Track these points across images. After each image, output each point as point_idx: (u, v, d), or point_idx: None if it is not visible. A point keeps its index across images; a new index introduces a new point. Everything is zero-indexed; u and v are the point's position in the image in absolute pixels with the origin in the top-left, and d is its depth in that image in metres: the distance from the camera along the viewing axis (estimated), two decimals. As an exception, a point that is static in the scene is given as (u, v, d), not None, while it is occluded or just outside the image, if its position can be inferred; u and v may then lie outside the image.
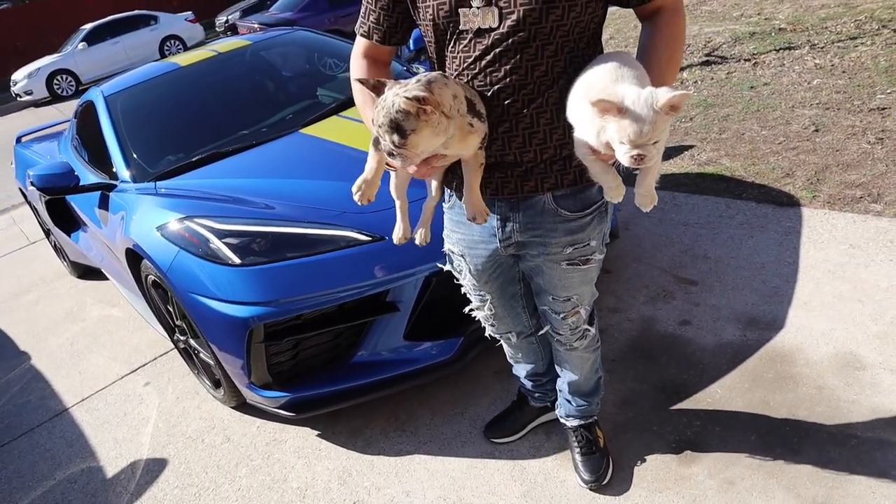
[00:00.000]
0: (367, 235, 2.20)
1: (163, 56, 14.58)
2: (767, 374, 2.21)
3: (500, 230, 1.54)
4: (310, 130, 2.92)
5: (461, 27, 1.29)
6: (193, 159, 2.86)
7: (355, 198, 1.41)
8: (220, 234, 2.24)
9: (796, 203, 3.15)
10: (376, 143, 1.36)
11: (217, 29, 15.47)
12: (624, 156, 1.15)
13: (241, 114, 3.31)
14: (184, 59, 3.62)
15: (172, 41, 15.34)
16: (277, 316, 2.10)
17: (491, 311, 1.78)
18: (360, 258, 2.17)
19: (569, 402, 1.99)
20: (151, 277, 2.57)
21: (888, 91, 4.22)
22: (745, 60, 5.50)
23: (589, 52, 1.34)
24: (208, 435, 2.60)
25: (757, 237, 2.96)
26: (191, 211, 2.37)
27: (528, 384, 2.10)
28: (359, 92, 1.50)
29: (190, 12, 16.32)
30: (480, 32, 1.28)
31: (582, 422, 2.01)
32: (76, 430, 2.86)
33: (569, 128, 1.33)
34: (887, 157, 3.36)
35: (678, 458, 1.98)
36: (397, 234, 1.60)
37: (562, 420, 2.06)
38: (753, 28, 6.40)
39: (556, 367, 1.97)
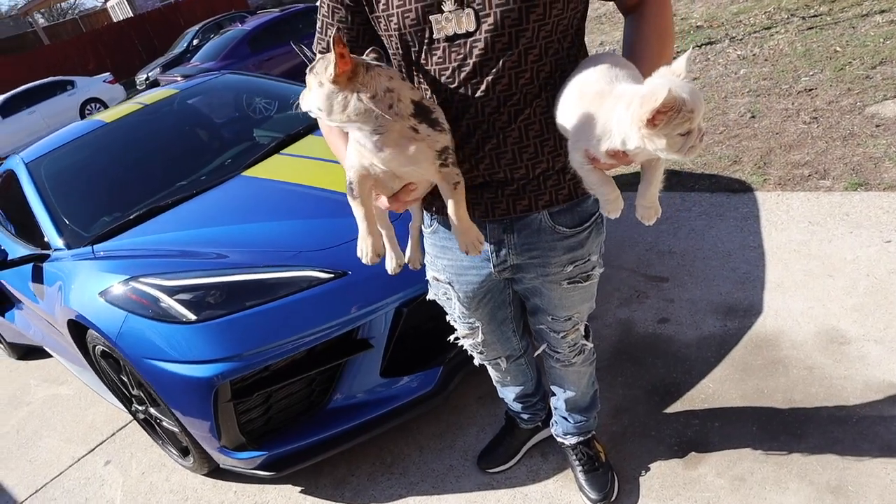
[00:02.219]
0: (328, 273, 2.08)
1: (85, 119, 14.08)
2: (756, 361, 2.17)
3: (494, 255, 1.42)
4: (252, 172, 2.79)
5: (434, 35, 1.18)
6: (131, 217, 2.68)
7: (363, 260, 1.29)
8: (171, 291, 2.07)
9: (749, 188, 3.18)
10: (351, 191, 1.25)
11: (138, 87, 15.08)
12: (691, 143, 1.00)
13: (176, 164, 3.14)
14: (108, 115, 3.44)
15: (93, 104, 14.84)
16: (243, 370, 1.95)
17: (481, 338, 1.66)
18: (325, 297, 2.04)
19: (566, 419, 1.90)
20: (100, 347, 2.37)
21: (811, 73, 4.37)
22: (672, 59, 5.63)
23: (573, 52, 1.24)
24: (181, 510, 2.39)
25: (718, 226, 2.96)
26: (135, 271, 2.20)
27: (518, 406, 2.00)
28: (327, 128, 1.37)
29: (108, 73, 15.86)
30: (455, 40, 1.17)
31: (581, 438, 1.91)
32: (31, 527, 2.60)
33: (560, 138, 1.23)
34: (825, 135, 3.44)
35: (683, 461, 1.91)
36: (391, 265, 1.46)
37: (559, 439, 1.96)
38: (674, 28, 6.60)
39: (550, 385, 1.87)
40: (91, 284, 2.29)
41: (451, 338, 1.74)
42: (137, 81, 15.04)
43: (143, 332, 2.07)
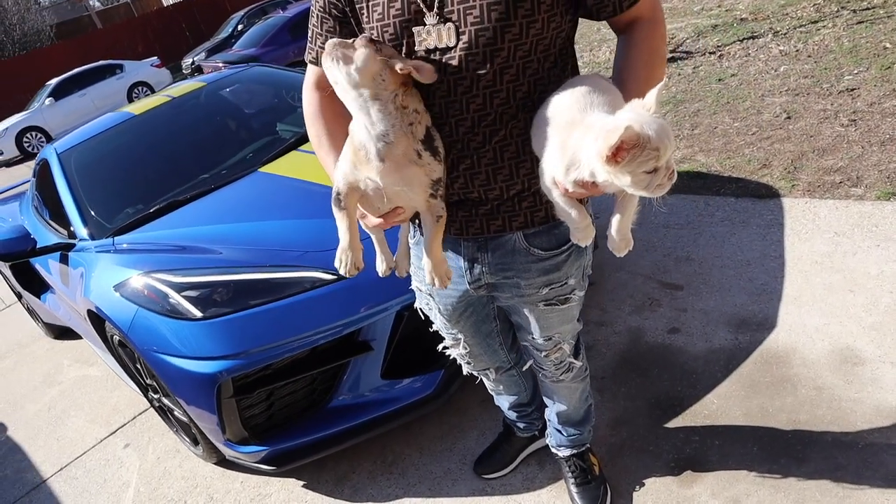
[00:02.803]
0: (332, 274, 2.10)
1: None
2: (763, 378, 2.11)
3: (468, 272, 1.42)
4: (269, 168, 2.83)
5: (416, 48, 1.17)
6: (152, 210, 2.76)
7: (341, 271, 1.31)
8: (179, 288, 2.13)
9: (776, 194, 3.08)
10: (338, 202, 1.26)
11: (184, 71, 15.41)
12: (659, 182, 0.97)
13: (200, 158, 3.21)
14: (137, 107, 3.53)
15: (140, 88, 15.26)
16: (246, 368, 1.99)
17: (466, 349, 1.67)
18: (328, 298, 2.07)
19: (559, 431, 1.89)
20: (116, 337, 2.46)
21: (855, 72, 4.19)
22: (710, 53, 5.47)
23: (555, 73, 1.21)
24: (191, 495, 2.47)
25: (739, 233, 2.88)
26: (148, 266, 2.27)
27: (513, 415, 2.00)
28: (312, 125, 1.39)
29: (155, 57, 16.25)
30: (431, 55, 1.17)
31: (574, 451, 1.90)
32: (54, 504, 2.73)
33: (537, 160, 1.20)
34: (862, 139, 3.30)
35: (678, 478, 1.88)
36: (380, 267, 1.47)
37: (553, 450, 1.95)
38: (715, 20, 6.40)
39: (543, 397, 1.86)
40: (107, 277, 2.36)
41: (440, 347, 1.74)
42: (183, 66, 15.37)
43: (153, 327, 2.13)
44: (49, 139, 14.53)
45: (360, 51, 1.13)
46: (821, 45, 4.85)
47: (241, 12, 14.66)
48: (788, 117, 3.82)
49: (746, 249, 2.76)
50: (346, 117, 1.37)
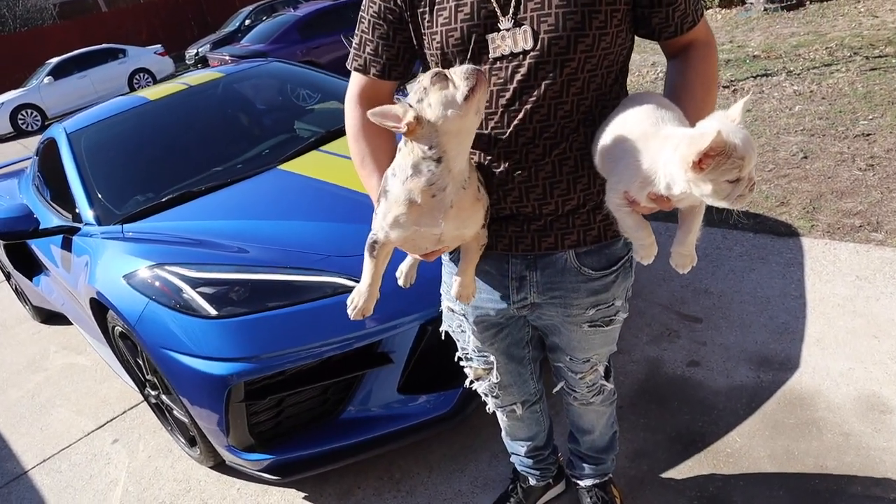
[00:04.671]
0: (355, 281, 2.01)
1: (132, 90, 14.33)
2: (788, 419, 2.07)
3: (514, 291, 1.36)
4: (288, 167, 2.76)
5: (488, 54, 1.13)
6: (163, 200, 2.67)
7: (349, 312, 1.28)
8: (194, 283, 2.05)
9: (795, 233, 3.06)
10: (370, 248, 1.22)
11: (187, 62, 15.30)
12: (740, 192, 0.95)
13: (214, 150, 3.13)
14: (152, 92, 3.44)
15: (142, 74, 15.10)
16: (259, 373, 1.91)
17: (497, 378, 1.57)
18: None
19: (583, 459, 1.82)
20: (119, 328, 2.36)
21: (870, 117, 4.21)
22: (724, 87, 5.50)
23: (615, 90, 1.19)
24: (183, 500, 2.37)
25: (759, 269, 2.85)
26: (161, 258, 2.18)
27: (528, 462, 1.88)
28: (356, 143, 1.33)
29: (159, 45, 16.10)
30: (497, 63, 1.13)
31: (597, 480, 1.84)
32: (35, 497, 2.60)
33: (594, 176, 1.19)
34: (881, 185, 3.30)
35: (702, 518, 1.82)
36: (404, 281, 1.46)
37: (574, 480, 1.88)
38: (727, 55, 6.44)
39: (568, 423, 1.80)
40: (116, 265, 2.27)
41: (466, 382, 1.66)
42: (187, 56, 15.26)
43: (163, 321, 2.04)
44: (44, 118, 14.31)
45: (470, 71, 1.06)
46: (834, 88, 4.89)
47: (250, 7, 14.61)
48: (805, 157, 3.82)
49: (766, 286, 2.73)
50: (390, 134, 1.31)
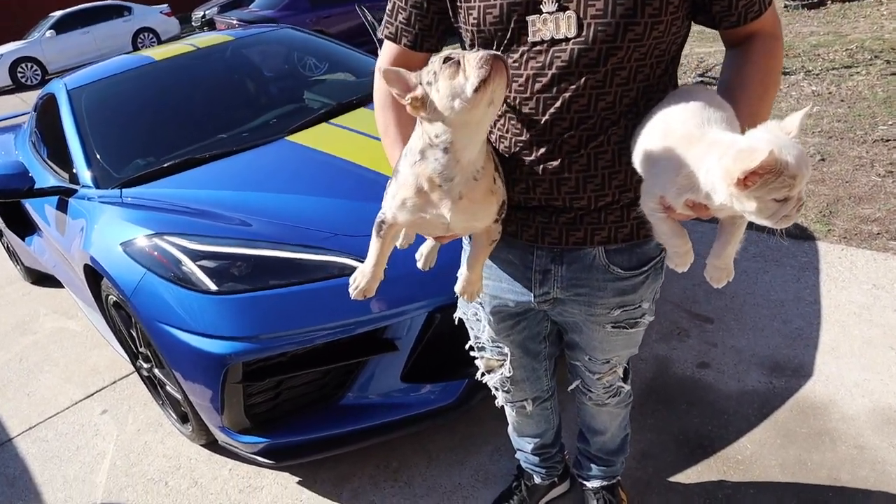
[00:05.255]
0: (363, 262, 1.94)
1: (136, 49, 14.06)
2: (800, 428, 2.01)
3: (537, 285, 1.28)
4: (297, 138, 2.66)
5: (526, 38, 1.04)
6: (165, 165, 2.57)
7: (351, 291, 1.22)
8: (195, 256, 1.96)
9: (810, 237, 2.99)
10: (378, 227, 1.15)
11: (193, 24, 15.00)
12: (790, 214, 0.87)
13: (220, 116, 3.02)
14: (158, 52, 3.32)
15: (146, 34, 14.81)
16: (258, 353, 1.84)
17: (510, 372, 1.50)
18: (354, 288, 1.91)
19: (591, 461, 1.76)
20: (113, 298, 2.27)
21: (890, 122, 4.12)
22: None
23: (664, 81, 1.10)
24: (173, 477, 2.30)
25: (772, 272, 2.78)
26: (161, 227, 2.09)
27: (535, 459, 1.82)
28: (382, 112, 1.26)
29: (165, 5, 15.77)
30: (535, 46, 1.04)
31: (605, 482, 1.78)
32: (19, 465, 2.53)
33: (632, 172, 1.10)
34: (900, 191, 3.23)
35: (710, 526, 1.77)
36: (423, 264, 1.39)
37: (581, 481, 1.82)
38: (746, 50, 6.31)
39: (579, 422, 1.73)
40: (114, 232, 2.18)
41: (478, 375, 1.59)
42: (193, 18, 14.98)
43: (160, 294, 1.96)
44: (45, 72, 14.05)
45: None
46: (854, 91, 4.79)
47: (259, -28, 14.31)
48: (822, 159, 3.74)
49: (780, 290, 2.66)
50: None
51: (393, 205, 1.09)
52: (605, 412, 1.61)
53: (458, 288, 1.27)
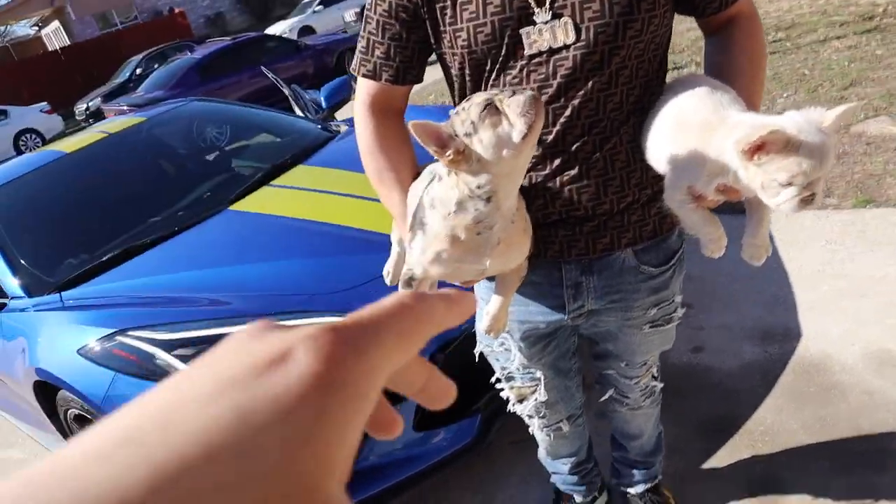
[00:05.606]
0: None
1: (19, 152, 13.28)
2: (808, 388, 2.04)
3: (570, 300, 1.23)
4: (241, 206, 2.53)
5: (523, 51, 1.01)
6: (104, 259, 2.38)
7: None
8: (168, 346, 1.80)
9: (754, 207, 3.11)
10: (407, 284, 1.08)
11: (77, 118, 14.36)
12: (791, 200, 0.87)
13: (148, 199, 2.85)
14: (68, 144, 3.11)
15: (29, 135, 14.01)
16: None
17: (544, 396, 1.43)
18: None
19: (631, 467, 1.71)
20: (74, 411, 2.05)
21: (785, 94, 4.45)
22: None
23: (661, 74, 1.10)
24: None
25: (732, 248, 2.83)
26: (121, 323, 1.91)
27: (574, 479, 1.75)
28: (371, 157, 1.19)
29: (44, 103, 15.05)
30: (535, 58, 1.02)
31: (649, 485, 1.73)
32: None
33: (646, 168, 1.09)
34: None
35: (759, 501, 1.75)
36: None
37: (624, 489, 1.77)
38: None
39: (613, 432, 1.69)
40: (65, 340, 1.98)
41: (510, 407, 1.51)
42: (77, 111, 14.35)
43: (137, 395, 1.77)
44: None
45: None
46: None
47: (140, 56, 13.96)
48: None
49: (745, 263, 2.72)
50: (408, 141, 1.20)
51: (424, 259, 1.03)
52: (640, 415, 1.58)
53: (483, 327, 1.20)
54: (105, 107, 9.57)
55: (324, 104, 3.70)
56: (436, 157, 0.95)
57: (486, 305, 1.18)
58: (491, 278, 1.20)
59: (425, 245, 1.02)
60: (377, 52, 1.13)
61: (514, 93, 0.90)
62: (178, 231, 2.46)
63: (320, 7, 19.59)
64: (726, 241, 1.07)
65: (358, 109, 1.19)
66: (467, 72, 1.08)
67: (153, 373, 1.77)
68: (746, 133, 0.84)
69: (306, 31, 17.94)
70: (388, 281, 1.39)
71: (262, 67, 4.42)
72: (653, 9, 1.00)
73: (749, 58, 1.09)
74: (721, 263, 2.71)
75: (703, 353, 2.33)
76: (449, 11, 1.03)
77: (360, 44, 1.14)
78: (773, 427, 1.96)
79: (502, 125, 0.89)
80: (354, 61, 1.17)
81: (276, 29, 17.76)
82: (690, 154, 0.96)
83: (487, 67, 1.05)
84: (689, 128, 0.97)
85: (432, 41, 1.10)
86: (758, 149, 0.84)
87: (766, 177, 0.86)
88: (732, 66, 1.08)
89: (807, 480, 1.76)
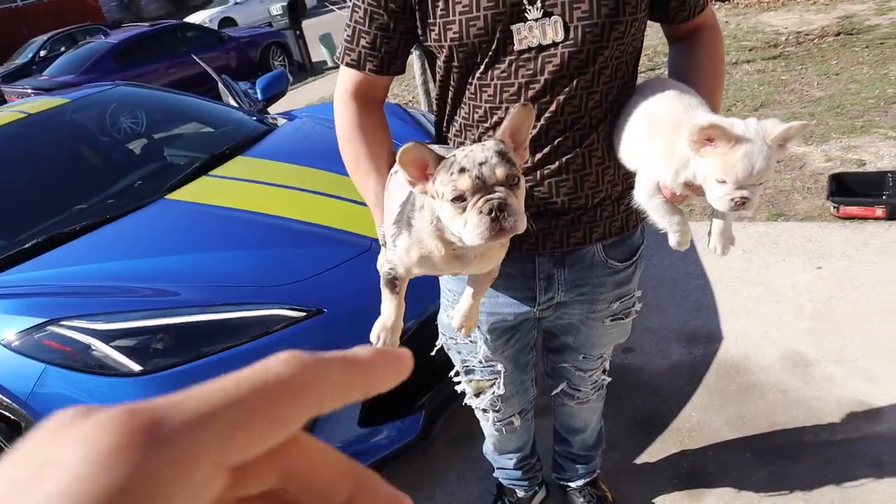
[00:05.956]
0: (300, 310, 1.83)
1: None
2: (730, 387, 2.20)
3: (542, 292, 1.28)
4: (179, 196, 2.44)
5: (513, 47, 1.05)
6: (26, 247, 2.23)
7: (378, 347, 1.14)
8: (106, 337, 1.71)
9: (677, 218, 3.30)
10: (390, 284, 1.10)
11: (-31, 100, 13.24)
12: (723, 198, 0.95)
13: (73, 185, 2.69)
14: (-20, 125, 2.89)
15: None
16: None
17: (501, 391, 1.47)
18: (299, 339, 1.78)
19: (573, 461, 1.78)
20: (-7, 410, 1.91)
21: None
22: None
23: (634, 77, 1.17)
24: None
25: (658, 255, 3.03)
26: (54, 312, 1.79)
27: (518, 473, 1.80)
28: (350, 143, 1.20)
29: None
30: (524, 54, 1.06)
31: (588, 479, 1.81)
32: None
33: (618, 166, 1.16)
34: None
35: (687, 493, 1.86)
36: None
37: (565, 483, 1.84)
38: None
39: (558, 427, 1.75)
40: (-15, 330, 1.84)
41: (466, 400, 1.55)
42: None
43: (68, 389, 1.69)
44: None
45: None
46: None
47: (44, 37, 13.03)
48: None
49: (669, 270, 2.91)
50: (387, 130, 1.24)
51: (408, 259, 1.05)
52: (586, 409, 1.65)
53: (455, 324, 1.23)
54: (5, 88, 8.87)
55: (260, 96, 3.61)
56: (407, 182, 0.96)
57: (459, 303, 1.21)
58: None
59: (410, 245, 1.04)
60: (363, 42, 1.13)
61: (492, 192, 0.89)
62: (110, 219, 2.34)
63: (243, -2, 19.07)
64: (691, 234, 1.15)
65: (339, 98, 1.20)
66: (454, 64, 1.10)
67: (89, 365, 1.68)
68: (696, 125, 0.92)
69: (227, 22, 17.40)
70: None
71: (193, 55, 4.25)
72: (635, 12, 1.06)
73: (713, 64, 1.19)
74: (648, 270, 2.87)
75: (634, 354, 2.45)
76: (441, 4, 1.05)
77: (346, 33, 1.15)
78: (699, 424, 2.09)
79: (459, 219, 0.91)
80: (338, 50, 1.18)
81: (195, 18, 17.11)
82: (661, 152, 1.02)
83: (477, 61, 1.08)
84: (661, 127, 1.04)
85: (420, 33, 1.11)
86: (705, 142, 0.91)
87: (706, 170, 0.94)
88: (697, 71, 1.17)
89: (730, 473, 1.89)
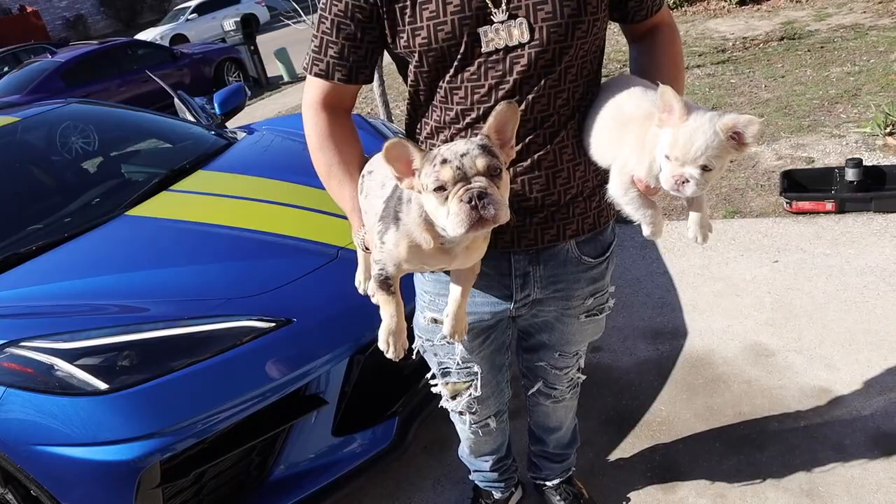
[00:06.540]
0: (268, 321, 1.80)
1: None
2: (697, 380, 2.25)
3: (518, 289, 1.30)
4: (141, 211, 2.38)
5: (480, 49, 1.07)
6: (-22, 269, 2.15)
7: (389, 355, 1.16)
8: (70, 356, 1.66)
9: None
10: (384, 285, 1.11)
11: None
12: (667, 175, 1.01)
13: (26, 205, 2.60)
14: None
15: None
16: (175, 446, 1.60)
17: (478, 392, 1.47)
18: (268, 351, 1.76)
19: (549, 460, 1.80)
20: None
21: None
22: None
23: (598, 75, 1.21)
24: None
25: (621, 254, 3.09)
26: (12, 334, 1.72)
27: (494, 476, 1.81)
28: (321, 153, 1.22)
29: None
30: (492, 55, 1.08)
31: (563, 477, 1.82)
32: None
33: (589, 163, 1.19)
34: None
35: (661, 486, 1.90)
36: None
37: (540, 482, 1.85)
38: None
39: (533, 427, 1.77)
40: (-62, 356, 1.76)
41: (443, 403, 1.55)
42: None
43: (30, 411, 1.63)
44: None
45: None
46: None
47: (-13, 56, 12.66)
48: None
49: (632, 269, 2.97)
50: (357, 138, 1.26)
51: (396, 254, 1.07)
52: (561, 407, 1.66)
53: (446, 330, 1.25)
54: (-51, 109, 8.56)
55: (218, 110, 3.57)
56: (394, 177, 0.99)
57: (447, 307, 1.23)
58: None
59: (398, 238, 1.04)
60: (331, 52, 1.14)
61: (460, 189, 0.93)
62: (68, 238, 2.27)
63: (194, 15, 18.84)
64: (664, 224, 1.19)
65: (308, 108, 1.21)
66: (424, 69, 1.12)
67: (52, 386, 1.62)
68: (662, 87, 0.99)
69: (179, 39, 17.18)
70: (360, 290, 1.40)
71: (147, 71, 4.18)
72: (596, 12, 1.10)
73: (672, 60, 1.24)
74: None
75: (602, 353, 2.49)
76: (409, 11, 1.07)
77: (313, 43, 1.15)
78: (668, 418, 2.13)
79: (443, 209, 0.94)
80: (305, 60, 1.18)
81: (146, 36, 16.86)
82: (633, 145, 1.07)
83: (446, 64, 1.10)
84: (633, 122, 1.08)
85: (389, 41, 1.13)
86: (666, 110, 0.99)
87: (659, 147, 1.01)
88: (658, 68, 1.21)
89: (701, 464, 1.94)
